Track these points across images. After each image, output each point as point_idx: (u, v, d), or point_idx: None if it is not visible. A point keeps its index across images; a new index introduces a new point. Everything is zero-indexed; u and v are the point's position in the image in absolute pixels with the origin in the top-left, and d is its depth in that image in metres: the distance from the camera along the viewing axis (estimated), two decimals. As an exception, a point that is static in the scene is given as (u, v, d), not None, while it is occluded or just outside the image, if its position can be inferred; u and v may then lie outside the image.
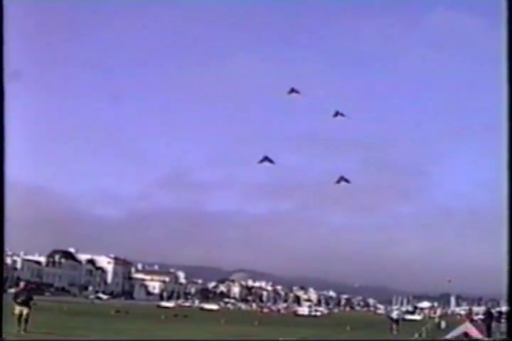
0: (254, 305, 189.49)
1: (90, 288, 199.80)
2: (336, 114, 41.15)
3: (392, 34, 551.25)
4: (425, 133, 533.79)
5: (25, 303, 29.36)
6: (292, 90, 40.05)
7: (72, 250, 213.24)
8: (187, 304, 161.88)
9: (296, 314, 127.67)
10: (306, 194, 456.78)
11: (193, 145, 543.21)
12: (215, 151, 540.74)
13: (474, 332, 42.23)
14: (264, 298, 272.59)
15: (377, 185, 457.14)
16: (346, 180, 43.19)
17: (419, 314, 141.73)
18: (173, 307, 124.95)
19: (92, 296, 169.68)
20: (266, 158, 40.98)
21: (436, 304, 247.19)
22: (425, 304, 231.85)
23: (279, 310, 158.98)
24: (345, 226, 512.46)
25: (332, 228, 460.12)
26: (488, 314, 51.17)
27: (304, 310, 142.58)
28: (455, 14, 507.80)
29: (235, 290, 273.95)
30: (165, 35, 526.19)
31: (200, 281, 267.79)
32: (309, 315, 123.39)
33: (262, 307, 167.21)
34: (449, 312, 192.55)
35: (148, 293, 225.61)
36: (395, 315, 60.23)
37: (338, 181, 42.96)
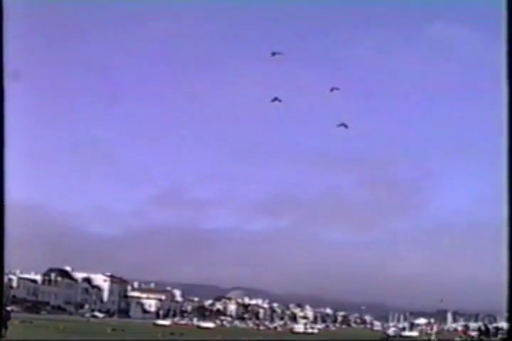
0: (250, 323, 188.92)
1: (86, 307, 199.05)
2: (332, 89, 41.78)
3: (390, 47, 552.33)
4: (423, 149, 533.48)
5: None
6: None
7: (68, 268, 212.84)
8: (183, 322, 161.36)
9: (292, 331, 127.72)
10: (303, 210, 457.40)
11: (188, 161, 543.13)
12: (211, 168, 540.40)
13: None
14: (261, 316, 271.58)
15: (374, 201, 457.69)
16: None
17: (410, 330, 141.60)
18: (169, 326, 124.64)
19: (88, 314, 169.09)
20: (276, 99, 41.68)
21: (432, 320, 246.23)
22: (422, 320, 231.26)
23: (275, 328, 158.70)
24: (342, 243, 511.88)
25: (329, 245, 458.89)
26: (484, 330, 51.34)
27: (299, 327, 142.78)
28: (454, 27, 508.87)
29: (232, 307, 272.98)
30: (161, 48, 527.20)
31: (196, 299, 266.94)
32: (305, 333, 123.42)
33: (258, 325, 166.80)
34: (446, 328, 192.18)
35: (145, 311, 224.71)
36: (391, 331, 60.32)
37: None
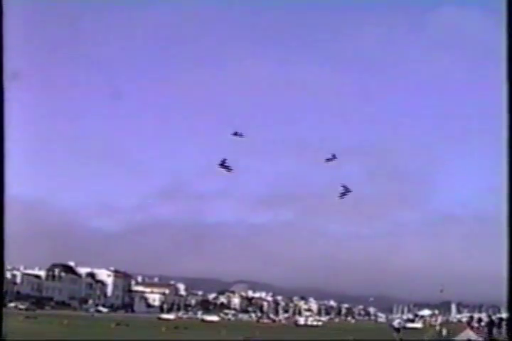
0: (254, 316, 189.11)
1: (90, 302, 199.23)
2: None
3: (394, 34, 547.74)
4: (428, 139, 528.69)
5: None
6: (235, 134, 36.05)
7: (71, 263, 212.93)
8: (187, 316, 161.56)
9: (296, 324, 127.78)
10: (306, 203, 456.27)
11: (191, 155, 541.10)
12: (214, 161, 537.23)
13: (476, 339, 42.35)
14: (265, 309, 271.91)
15: (379, 193, 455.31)
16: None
17: (417, 322, 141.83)
18: (173, 319, 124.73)
19: (92, 309, 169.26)
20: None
21: (437, 312, 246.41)
22: (426, 312, 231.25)
23: (280, 320, 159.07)
24: (346, 235, 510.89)
25: (333, 237, 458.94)
26: (488, 321, 51.18)
27: (303, 319, 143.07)
28: (463, 11, 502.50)
29: (235, 301, 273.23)
30: (161, 39, 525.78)
31: (200, 293, 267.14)
32: (310, 325, 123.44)
33: (260, 318, 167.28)
34: (451, 319, 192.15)
35: (149, 306, 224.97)
36: (396, 323, 60.27)
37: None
